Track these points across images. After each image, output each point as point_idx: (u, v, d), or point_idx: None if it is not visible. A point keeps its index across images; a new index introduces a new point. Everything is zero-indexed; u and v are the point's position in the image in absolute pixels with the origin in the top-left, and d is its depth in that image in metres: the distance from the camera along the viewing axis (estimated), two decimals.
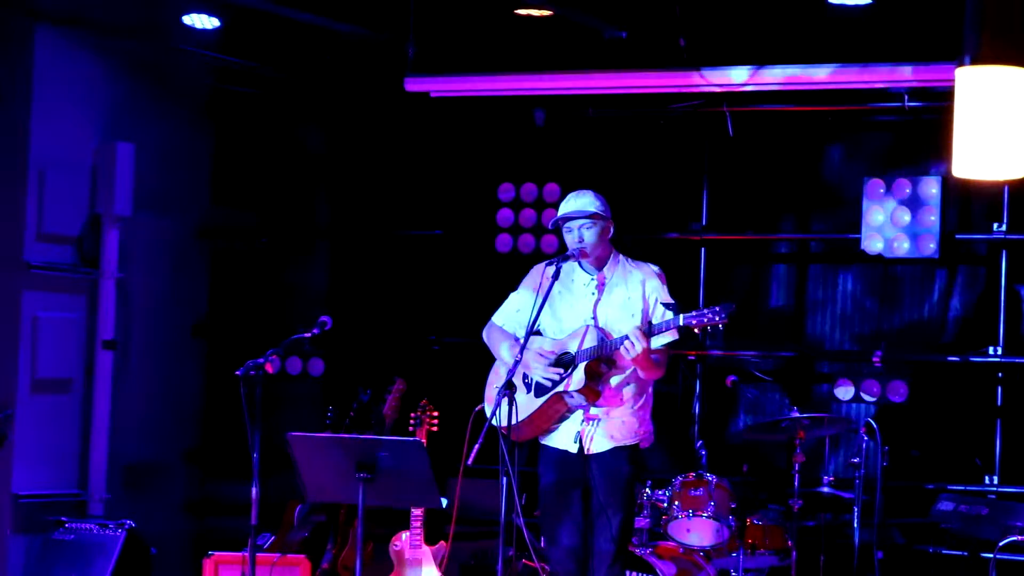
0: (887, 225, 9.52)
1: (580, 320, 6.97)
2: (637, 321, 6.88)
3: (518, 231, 10.53)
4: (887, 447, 8.49)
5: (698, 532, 8.33)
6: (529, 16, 9.56)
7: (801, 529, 8.55)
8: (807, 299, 10.12)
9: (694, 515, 8.26)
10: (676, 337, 6.87)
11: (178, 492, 10.75)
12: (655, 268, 7.08)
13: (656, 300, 6.95)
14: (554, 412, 6.97)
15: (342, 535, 9.05)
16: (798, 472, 8.41)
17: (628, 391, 6.98)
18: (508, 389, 6.58)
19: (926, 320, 9.80)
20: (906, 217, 9.49)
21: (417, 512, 8.61)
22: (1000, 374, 9.56)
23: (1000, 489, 9.39)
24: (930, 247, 9.46)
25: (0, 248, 9.53)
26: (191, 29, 9.98)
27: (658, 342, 6.81)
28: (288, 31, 10.06)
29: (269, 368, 7.08)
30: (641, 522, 8.34)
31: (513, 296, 7.22)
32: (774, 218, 10.19)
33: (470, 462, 6.57)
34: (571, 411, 6.98)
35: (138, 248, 10.26)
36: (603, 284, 7.03)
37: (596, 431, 6.95)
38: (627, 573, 7.35)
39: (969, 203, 9.69)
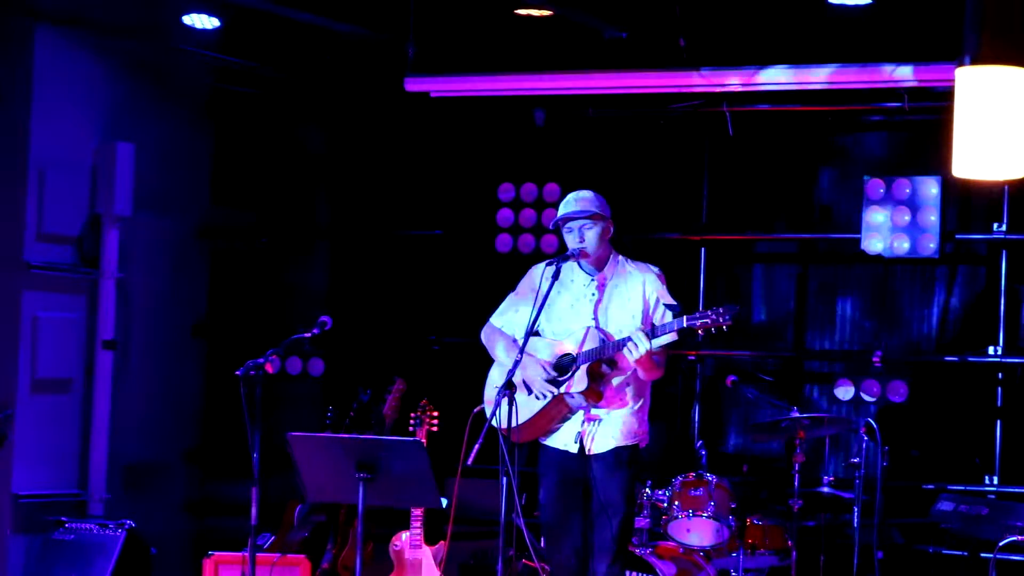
0: (887, 225, 9.52)
1: (580, 321, 6.97)
2: (637, 322, 6.88)
3: (518, 231, 10.53)
4: (887, 447, 8.48)
5: (698, 532, 8.33)
6: (529, 16, 9.56)
7: (801, 529, 8.55)
8: (807, 299, 10.13)
9: (694, 515, 8.26)
10: (676, 338, 6.87)
11: (178, 492, 10.75)
12: (655, 269, 7.08)
13: (657, 301, 6.95)
14: (556, 414, 6.98)
15: (342, 535, 9.05)
16: (798, 472, 8.41)
17: (628, 392, 6.98)
18: (508, 389, 6.58)
19: (926, 320, 9.80)
20: (906, 217, 9.49)
21: (417, 512, 8.60)
22: (1000, 374, 9.56)
23: (1000, 489, 9.39)
24: (930, 247, 9.45)
25: (0, 248, 9.53)
26: (191, 29, 9.98)
27: (658, 343, 6.81)
28: (288, 31, 10.07)
29: (269, 368, 7.09)
30: (641, 522, 8.34)
31: (511, 297, 7.21)
32: (774, 218, 10.18)
33: (470, 462, 6.57)
34: (572, 412, 6.98)
35: (138, 248, 10.25)
36: (603, 285, 7.02)
37: (597, 431, 6.96)
38: (627, 573, 7.36)
39: (969, 203, 9.69)
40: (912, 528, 9.40)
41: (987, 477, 9.45)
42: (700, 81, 9.47)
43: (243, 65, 10.49)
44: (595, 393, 6.89)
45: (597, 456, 6.96)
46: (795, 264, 10.18)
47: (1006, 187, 9.34)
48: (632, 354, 6.71)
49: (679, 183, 10.29)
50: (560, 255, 7.00)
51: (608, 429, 6.96)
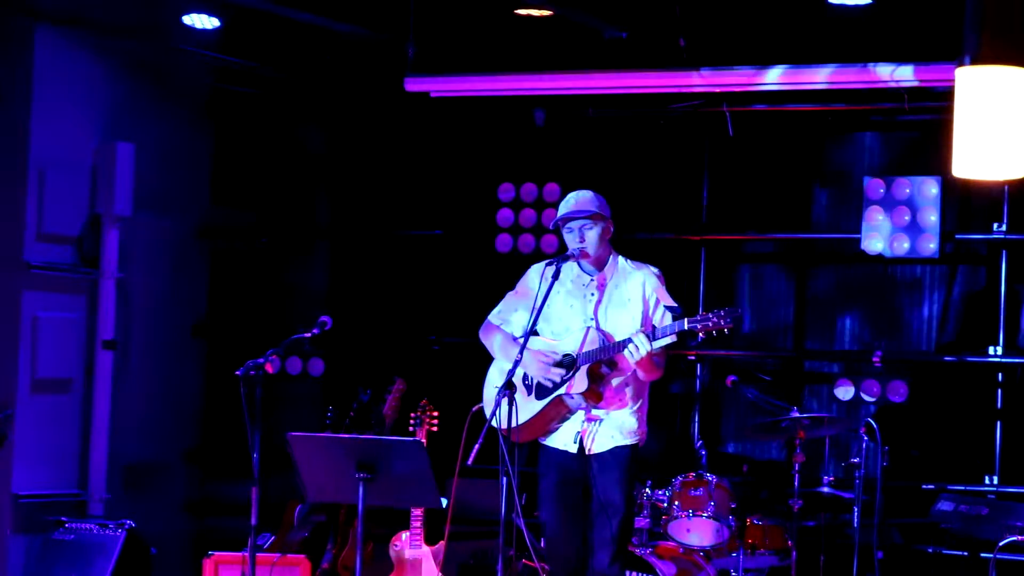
0: (887, 225, 9.51)
1: (579, 321, 6.97)
2: (637, 323, 6.89)
3: (518, 231, 10.52)
4: (887, 447, 8.48)
5: (698, 532, 8.33)
6: (529, 16, 9.56)
7: (801, 529, 8.55)
8: (807, 299, 10.12)
9: (694, 515, 8.26)
10: (675, 340, 6.87)
11: (178, 492, 10.75)
12: (654, 270, 7.08)
13: (656, 301, 6.95)
14: (556, 414, 6.98)
15: (342, 535, 9.05)
16: (798, 472, 8.41)
17: (628, 392, 6.98)
18: (508, 389, 6.58)
19: (926, 320, 9.80)
20: (906, 217, 9.49)
21: (417, 512, 8.60)
22: (1000, 374, 9.56)
23: (1000, 489, 9.38)
24: (930, 247, 9.45)
25: (0, 248, 9.53)
26: (191, 29, 9.98)
27: (658, 345, 6.80)
28: (288, 31, 10.06)
29: (269, 368, 7.08)
30: (641, 522, 8.34)
31: (510, 296, 7.21)
32: (773, 218, 10.18)
33: (470, 462, 6.57)
34: (572, 412, 6.98)
35: (138, 248, 10.25)
36: (603, 285, 7.02)
37: (597, 431, 6.96)
38: (627, 573, 7.36)
39: (969, 203, 9.68)
40: (912, 528, 9.40)
41: (987, 477, 9.45)
42: (700, 81, 9.47)
43: (243, 65, 10.49)
44: (595, 394, 6.89)
45: (597, 456, 6.96)
46: (795, 264, 10.18)
47: (1006, 187, 9.34)
48: (633, 356, 6.71)
49: (679, 183, 10.29)
50: (560, 255, 7.00)
51: (608, 429, 6.97)
